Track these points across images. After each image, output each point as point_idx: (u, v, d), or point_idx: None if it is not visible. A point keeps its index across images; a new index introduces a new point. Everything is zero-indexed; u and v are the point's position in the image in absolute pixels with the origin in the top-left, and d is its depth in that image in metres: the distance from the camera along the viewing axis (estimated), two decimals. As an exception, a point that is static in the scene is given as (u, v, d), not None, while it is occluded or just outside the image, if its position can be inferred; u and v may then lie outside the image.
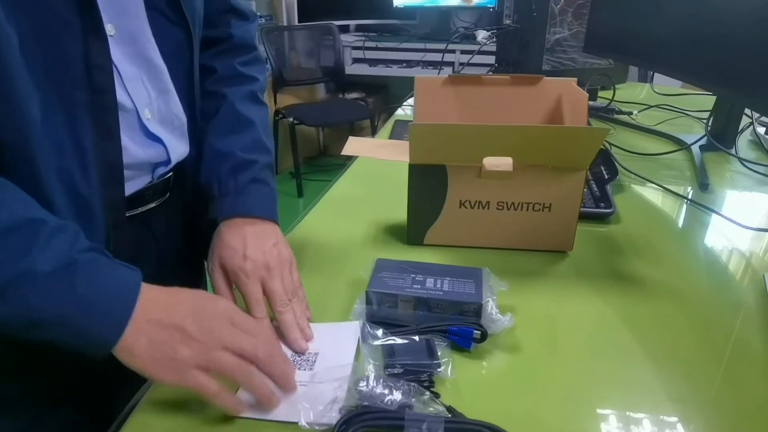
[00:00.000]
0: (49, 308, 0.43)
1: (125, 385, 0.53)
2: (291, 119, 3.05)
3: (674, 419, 0.48)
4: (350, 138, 0.78)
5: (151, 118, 0.59)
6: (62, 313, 0.43)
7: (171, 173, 0.66)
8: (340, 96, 3.62)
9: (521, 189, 0.70)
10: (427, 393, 0.45)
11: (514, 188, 0.70)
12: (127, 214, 0.60)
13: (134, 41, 0.56)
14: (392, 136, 1.31)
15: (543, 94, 0.79)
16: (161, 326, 0.46)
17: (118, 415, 0.49)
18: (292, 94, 3.42)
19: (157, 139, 0.60)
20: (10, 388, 0.57)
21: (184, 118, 0.65)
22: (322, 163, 3.73)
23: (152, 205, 0.65)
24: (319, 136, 3.82)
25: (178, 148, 0.64)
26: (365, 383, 0.46)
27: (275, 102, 3.27)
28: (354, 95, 3.60)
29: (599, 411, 0.49)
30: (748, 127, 1.18)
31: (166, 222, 0.69)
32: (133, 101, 0.56)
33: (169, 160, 0.62)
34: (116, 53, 0.53)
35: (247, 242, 0.60)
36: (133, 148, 0.57)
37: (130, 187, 0.59)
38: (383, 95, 3.70)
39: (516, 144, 0.67)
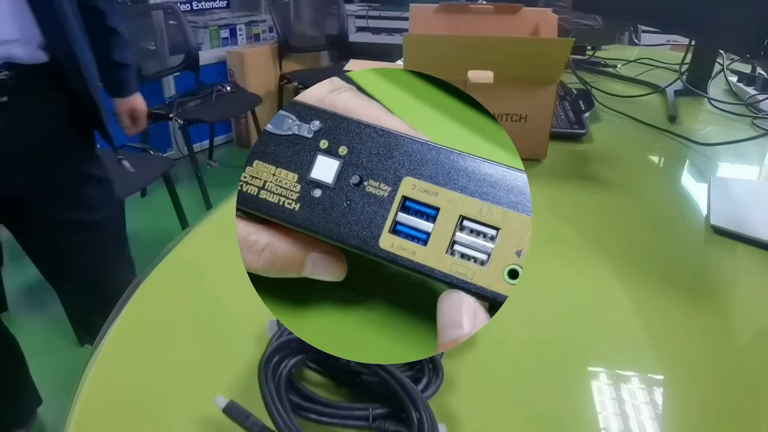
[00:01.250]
0: None
1: None
2: (296, 83, 3.14)
3: (620, 290, 0.58)
4: (351, 60, 0.87)
5: None
6: None
7: (6, 72, 0.83)
8: (344, 63, 3.69)
9: (501, 101, 0.80)
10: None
11: (495, 100, 0.80)
12: None
13: None
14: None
15: (523, 21, 0.89)
16: None
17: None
18: (297, 61, 3.50)
19: None
20: None
21: None
22: (325, 131, 3.82)
23: None
24: (322, 104, 3.90)
25: None
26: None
27: (280, 68, 3.35)
28: (357, 63, 3.67)
29: (555, 266, 0.59)
30: (719, 73, 1.28)
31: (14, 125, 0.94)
32: None
33: None
34: None
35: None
36: None
37: None
38: (386, 62, 3.77)
39: (496, 57, 0.76)
